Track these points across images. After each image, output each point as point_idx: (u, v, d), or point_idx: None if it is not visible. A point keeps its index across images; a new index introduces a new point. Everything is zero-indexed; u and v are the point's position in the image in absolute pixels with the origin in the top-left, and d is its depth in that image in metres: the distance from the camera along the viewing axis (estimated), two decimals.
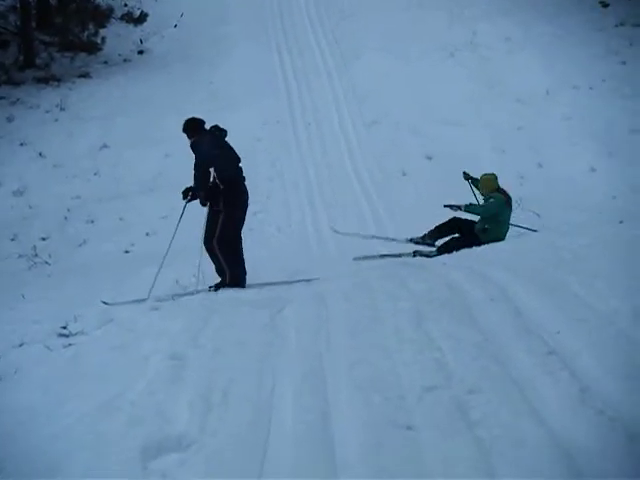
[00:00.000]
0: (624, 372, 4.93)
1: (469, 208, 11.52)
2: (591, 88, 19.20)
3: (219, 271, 9.64)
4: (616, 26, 22.13)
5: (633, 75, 19.34)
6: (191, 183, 9.80)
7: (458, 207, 11.57)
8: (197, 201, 9.74)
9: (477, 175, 12.01)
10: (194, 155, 9.64)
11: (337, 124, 19.04)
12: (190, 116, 10.08)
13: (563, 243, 8.56)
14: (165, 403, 5.52)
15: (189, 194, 9.81)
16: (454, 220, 11.68)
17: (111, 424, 5.25)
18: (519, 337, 5.81)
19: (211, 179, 9.42)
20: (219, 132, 9.78)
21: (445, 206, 11.68)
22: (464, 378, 5.32)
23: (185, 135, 9.86)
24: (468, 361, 5.58)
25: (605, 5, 23.70)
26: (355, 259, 11.59)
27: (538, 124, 17.95)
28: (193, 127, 9.83)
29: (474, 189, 12.26)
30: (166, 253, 9.84)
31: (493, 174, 11.75)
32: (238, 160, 9.83)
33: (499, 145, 17.18)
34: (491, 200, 11.43)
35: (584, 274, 6.65)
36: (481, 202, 11.81)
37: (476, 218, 11.65)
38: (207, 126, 9.88)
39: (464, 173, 12.33)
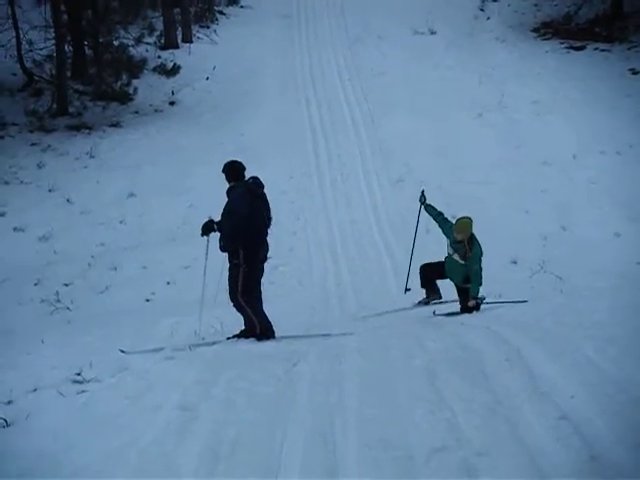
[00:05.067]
0: (636, 441, 4.89)
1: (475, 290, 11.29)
2: (618, 153, 19.22)
3: (249, 324, 9.63)
4: None
5: None
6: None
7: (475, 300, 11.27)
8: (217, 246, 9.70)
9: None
10: (227, 200, 9.65)
11: (362, 180, 19.11)
12: (232, 159, 10.08)
13: (582, 307, 8.53)
14: (173, 454, 5.51)
15: (214, 227, 9.71)
16: (426, 269, 11.63)
17: (117, 474, 5.25)
18: (531, 400, 5.78)
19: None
20: (256, 186, 9.76)
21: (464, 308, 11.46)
22: (474, 440, 5.29)
23: (224, 176, 9.86)
24: (479, 423, 5.55)
25: (635, 72, 23.85)
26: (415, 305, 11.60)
27: (563, 187, 17.94)
28: (233, 171, 9.80)
29: (424, 212, 11.99)
30: (202, 293, 9.83)
31: (470, 218, 11.27)
32: (267, 216, 9.86)
33: (523, 206, 17.16)
34: (476, 263, 11.17)
35: (600, 339, 6.62)
36: (446, 243, 11.51)
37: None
38: (247, 173, 9.89)
39: (422, 195, 12.01)
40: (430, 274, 11.60)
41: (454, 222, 11.30)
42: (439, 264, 11.55)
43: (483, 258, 11.06)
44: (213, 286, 10.21)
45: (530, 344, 7.03)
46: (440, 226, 11.70)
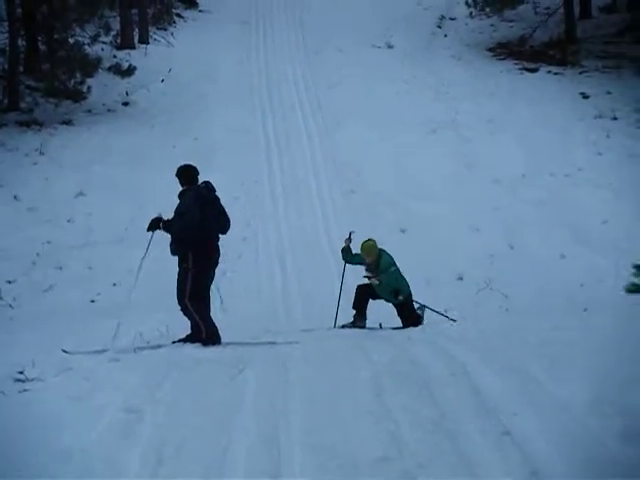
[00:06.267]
0: (576, 458, 4.95)
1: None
2: (567, 175, 19.49)
3: (195, 329, 9.58)
4: (595, 117, 22.57)
5: (608, 166, 19.68)
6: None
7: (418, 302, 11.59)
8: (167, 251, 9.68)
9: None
10: (178, 202, 9.64)
11: (314, 189, 19.17)
12: (186, 163, 10.08)
13: (528, 326, 8.62)
14: (116, 455, 5.47)
15: (159, 225, 9.72)
16: (361, 289, 11.70)
17: (60, 474, 5.19)
18: (476, 415, 5.82)
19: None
20: (207, 190, 9.76)
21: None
22: (416, 452, 5.32)
23: (177, 180, 9.85)
24: (422, 435, 5.58)
25: (586, 97, 24.20)
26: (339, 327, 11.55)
27: (513, 206, 18.14)
28: (186, 175, 9.82)
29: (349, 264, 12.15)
30: (134, 285, 9.77)
31: (373, 239, 11.65)
32: (220, 221, 9.84)
33: (473, 224, 17.31)
34: (392, 269, 11.41)
35: (545, 358, 6.69)
36: (364, 270, 11.78)
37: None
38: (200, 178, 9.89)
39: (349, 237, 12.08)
40: (363, 294, 11.67)
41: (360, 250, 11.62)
42: (371, 285, 11.68)
43: (399, 262, 11.45)
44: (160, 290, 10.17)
45: (476, 360, 7.08)
46: (354, 262, 11.98)
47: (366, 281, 11.72)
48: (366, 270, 11.63)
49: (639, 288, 11.29)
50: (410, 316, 11.48)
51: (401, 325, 11.39)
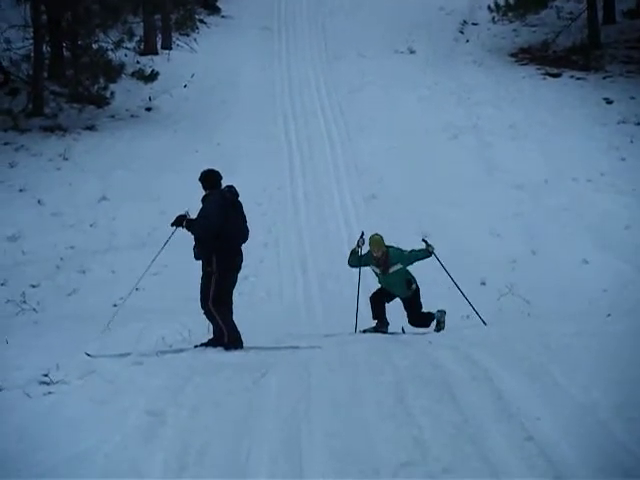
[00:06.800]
0: (600, 464, 4.94)
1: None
2: (589, 181, 19.37)
3: (218, 333, 9.60)
4: (619, 123, 22.45)
5: (632, 171, 19.54)
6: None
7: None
8: (191, 256, 9.73)
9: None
10: (201, 206, 9.69)
11: (336, 195, 19.15)
12: (209, 168, 10.13)
13: (550, 331, 8.60)
14: (139, 459, 5.49)
15: (183, 223, 9.80)
16: (374, 298, 11.75)
17: (82, 476, 5.22)
18: (499, 420, 5.83)
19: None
20: (231, 194, 9.80)
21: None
22: (440, 457, 5.32)
23: (200, 184, 9.91)
24: (445, 440, 5.58)
25: (609, 102, 24.07)
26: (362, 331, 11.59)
27: (535, 212, 18.06)
28: (210, 180, 9.86)
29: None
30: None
31: (379, 234, 11.64)
32: (242, 226, 9.87)
33: (495, 229, 17.24)
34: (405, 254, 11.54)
35: (568, 363, 6.68)
36: (371, 272, 11.90)
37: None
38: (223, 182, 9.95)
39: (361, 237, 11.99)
40: (378, 301, 11.69)
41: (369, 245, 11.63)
42: (382, 288, 11.73)
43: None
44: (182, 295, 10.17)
45: (498, 365, 7.08)
46: (362, 263, 11.89)
47: (376, 287, 11.84)
48: (375, 267, 11.64)
49: None
50: (418, 308, 11.54)
51: (426, 330, 11.44)
